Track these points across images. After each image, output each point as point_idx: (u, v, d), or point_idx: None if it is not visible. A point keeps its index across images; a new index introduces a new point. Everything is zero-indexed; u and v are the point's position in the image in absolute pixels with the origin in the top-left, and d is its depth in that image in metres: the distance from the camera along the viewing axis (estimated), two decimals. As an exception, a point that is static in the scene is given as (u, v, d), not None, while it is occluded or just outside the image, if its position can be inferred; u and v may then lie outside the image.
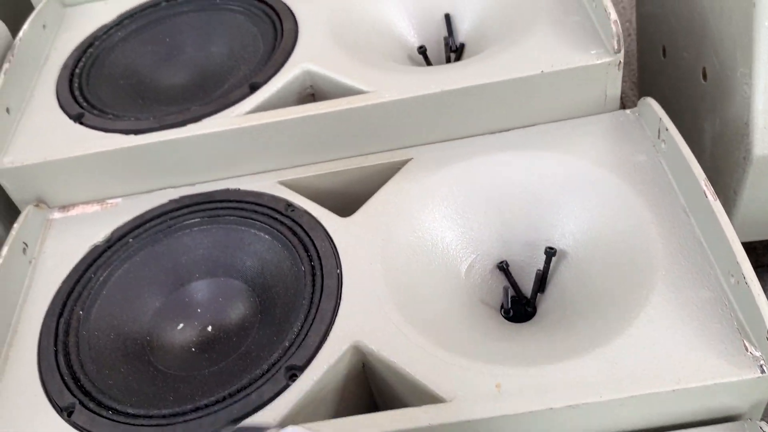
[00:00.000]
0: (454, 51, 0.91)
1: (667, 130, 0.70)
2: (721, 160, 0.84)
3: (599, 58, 0.74)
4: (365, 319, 0.64)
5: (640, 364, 0.57)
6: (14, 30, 0.90)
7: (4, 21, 0.91)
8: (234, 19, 0.91)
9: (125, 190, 0.80)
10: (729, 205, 0.83)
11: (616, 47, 0.73)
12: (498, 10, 0.88)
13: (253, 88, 0.80)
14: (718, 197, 0.63)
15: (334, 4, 0.90)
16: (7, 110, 0.80)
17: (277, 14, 0.89)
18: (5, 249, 0.72)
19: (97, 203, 0.80)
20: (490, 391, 0.58)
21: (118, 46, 0.91)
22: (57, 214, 0.80)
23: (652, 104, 0.73)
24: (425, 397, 0.59)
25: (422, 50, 0.90)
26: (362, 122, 0.77)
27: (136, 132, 0.77)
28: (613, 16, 0.73)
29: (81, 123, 0.80)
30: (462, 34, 0.92)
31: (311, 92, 0.84)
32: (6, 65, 0.82)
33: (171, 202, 0.78)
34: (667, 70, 0.98)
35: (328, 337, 0.63)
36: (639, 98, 0.76)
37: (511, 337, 0.66)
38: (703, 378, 0.56)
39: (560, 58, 0.75)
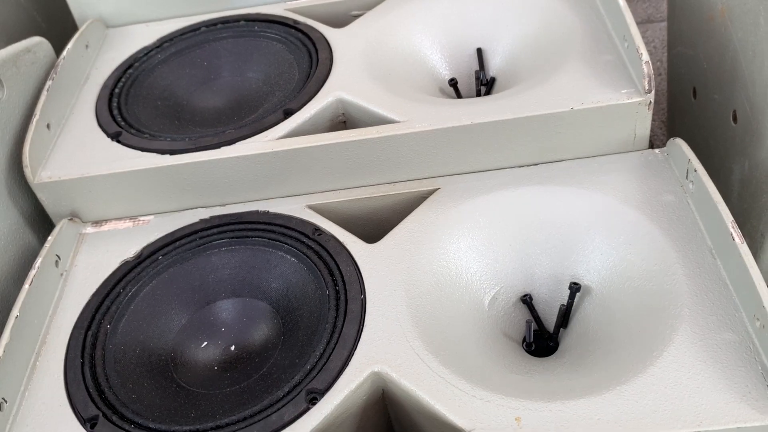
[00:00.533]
0: (485, 84, 0.92)
1: (695, 171, 0.70)
2: (750, 203, 0.84)
3: (629, 98, 0.75)
4: (387, 346, 0.64)
5: (662, 404, 0.57)
6: (58, 49, 0.93)
7: (49, 40, 0.94)
8: (271, 46, 0.94)
9: (157, 208, 0.82)
10: (756, 248, 0.83)
11: (647, 87, 0.74)
12: (530, 46, 0.89)
13: (287, 114, 0.82)
14: (746, 240, 0.63)
15: (370, 36, 0.91)
16: (48, 126, 0.83)
17: (314, 43, 0.91)
18: (39, 260, 0.73)
19: (129, 220, 0.82)
20: (510, 424, 0.58)
21: (157, 68, 0.93)
22: (90, 229, 0.81)
23: (681, 145, 0.74)
24: (444, 427, 0.59)
25: (453, 83, 0.92)
26: (392, 151, 0.78)
27: (172, 152, 0.79)
28: (645, 56, 0.74)
29: (118, 141, 0.82)
30: (493, 68, 0.93)
31: (343, 120, 0.85)
32: (49, 82, 0.85)
33: (201, 221, 0.80)
34: (697, 111, 0.99)
35: (349, 363, 0.63)
36: (668, 138, 0.77)
37: (533, 371, 0.66)
38: (724, 421, 0.55)
39: (590, 96, 0.76)
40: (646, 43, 1.29)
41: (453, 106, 0.79)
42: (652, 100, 0.75)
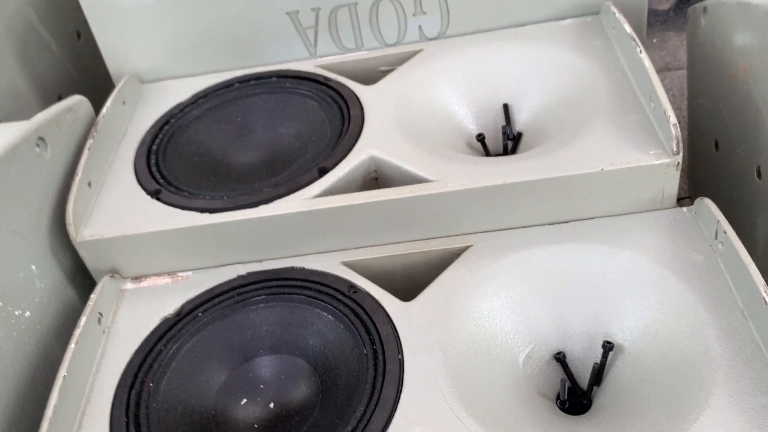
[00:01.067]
0: (512, 139, 0.94)
1: (725, 233, 0.72)
2: (775, 258, 0.85)
3: (658, 159, 0.77)
4: (427, 409, 0.66)
5: (701, 470, 0.58)
6: (91, 97, 0.96)
7: (81, 89, 0.97)
8: (304, 102, 0.96)
9: (195, 264, 0.84)
10: (783, 303, 0.84)
11: (675, 149, 0.76)
12: (556, 102, 0.92)
13: (322, 172, 0.84)
14: (773, 297, 0.65)
15: (399, 93, 0.94)
16: (89, 184, 0.85)
17: (345, 100, 0.93)
18: (83, 319, 0.75)
19: (168, 276, 0.84)
20: (550, 488, 0.59)
21: (192, 124, 0.96)
22: (129, 285, 0.83)
23: (709, 205, 0.75)
24: (486, 490, 0.60)
25: (481, 138, 0.94)
26: (425, 209, 0.80)
27: (211, 211, 0.81)
28: (673, 119, 0.76)
29: (158, 199, 0.84)
30: (520, 123, 0.95)
31: (375, 176, 0.88)
32: (90, 141, 0.88)
33: (239, 278, 0.82)
34: (719, 163, 1.00)
35: (390, 425, 0.65)
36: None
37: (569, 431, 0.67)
38: (764, 488, 0.56)
39: (620, 157, 0.77)
40: (665, 91, 1.31)
41: (484, 165, 0.81)
42: (680, 162, 0.77)
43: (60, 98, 1.13)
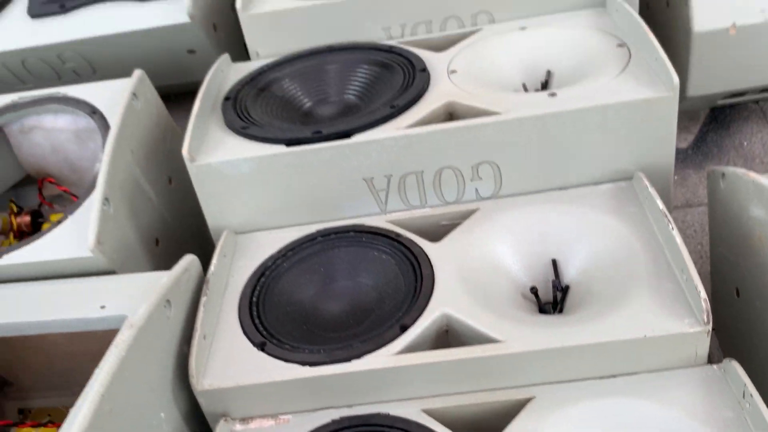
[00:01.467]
0: (560, 291, 1.09)
1: (752, 396, 0.85)
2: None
3: (691, 327, 0.91)
4: None
5: None
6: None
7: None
8: (379, 257, 1.12)
9: (294, 407, 0.98)
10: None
11: (705, 320, 0.90)
12: (598, 263, 1.07)
13: (403, 329, 0.99)
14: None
15: (462, 250, 1.09)
16: (204, 337, 1.00)
17: (416, 257, 1.09)
18: (210, 463, 0.89)
19: (271, 418, 0.98)
20: None
21: (284, 275, 1.11)
22: (239, 427, 0.98)
23: (736, 368, 0.89)
24: None
25: (534, 291, 1.09)
26: (493, 365, 0.95)
27: (311, 364, 0.96)
28: (703, 294, 0.91)
29: (263, 351, 0.99)
30: (567, 277, 1.10)
31: (446, 329, 1.02)
32: (204, 298, 1.03)
33: (333, 422, 0.96)
34: (740, 308, 1.14)
35: None
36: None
37: None
38: None
39: (659, 324, 0.92)
40: (686, 228, 1.46)
41: (543, 327, 0.96)
42: (711, 329, 0.91)
43: (157, 242, 1.29)
